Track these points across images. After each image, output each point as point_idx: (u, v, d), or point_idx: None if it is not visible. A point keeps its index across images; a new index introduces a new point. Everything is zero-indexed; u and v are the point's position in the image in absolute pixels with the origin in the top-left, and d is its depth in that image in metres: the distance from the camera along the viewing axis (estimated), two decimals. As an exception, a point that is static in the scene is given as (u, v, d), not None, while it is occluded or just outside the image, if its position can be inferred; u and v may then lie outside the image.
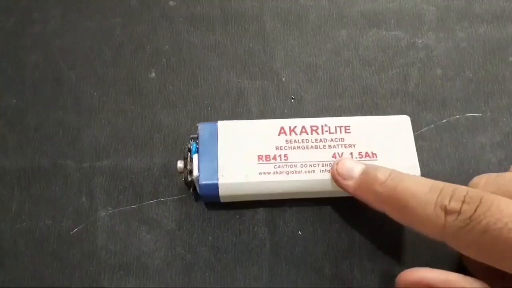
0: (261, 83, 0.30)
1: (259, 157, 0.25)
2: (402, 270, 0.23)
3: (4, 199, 0.27)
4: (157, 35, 0.31)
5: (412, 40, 0.31)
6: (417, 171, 0.25)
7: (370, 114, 0.29)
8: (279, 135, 0.26)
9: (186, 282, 0.25)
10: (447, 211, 0.19)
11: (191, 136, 0.27)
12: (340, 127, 0.26)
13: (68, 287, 0.25)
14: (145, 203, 0.27)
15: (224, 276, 0.25)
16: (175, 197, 0.27)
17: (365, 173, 0.23)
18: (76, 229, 0.26)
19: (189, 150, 0.26)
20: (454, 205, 0.19)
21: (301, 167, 0.25)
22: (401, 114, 0.27)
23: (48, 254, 0.26)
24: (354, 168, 0.23)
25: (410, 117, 0.27)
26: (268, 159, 0.25)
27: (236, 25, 0.31)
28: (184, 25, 0.31)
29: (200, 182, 0.25)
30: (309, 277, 0.25)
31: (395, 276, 0.23)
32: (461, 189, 0.20)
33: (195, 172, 0.25)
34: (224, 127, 0.26)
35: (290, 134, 0.26)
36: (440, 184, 0.20)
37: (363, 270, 0.25)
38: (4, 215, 0.26)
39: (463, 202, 0.19)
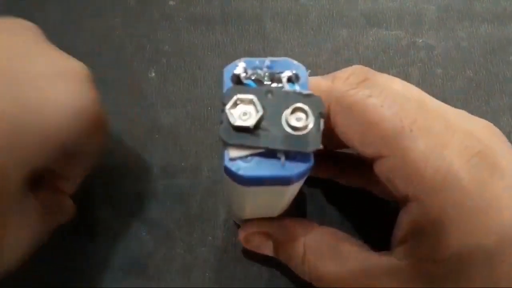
0: (261, 83, 0.30)
1: None
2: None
3: (4, 199, 0.27)
4: (157, 35, 0.31)
5: (412, 40, 0.31)
6: None
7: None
8: None
9: (185, 282, 0.25)
10: (335, 77, 0.20)
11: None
12: None
13: (68, 287, 0.25)
14: (145, 203, 0.27)
15: (224, 276, 0.25)
16: (174, 197, 0.27)
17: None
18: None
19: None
20: (342, 74, 0.20)
21: None
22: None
23: (48, 255, 0.26)
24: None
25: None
26: None
27: (236, 25, 0.31)
28: (184, 25, 0.31)
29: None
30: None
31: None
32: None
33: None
34: None
35: None
36: None
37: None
38: (4, 215, 0.26)
39: (352, 74, 0.20)
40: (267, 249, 0.24)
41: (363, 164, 0.21)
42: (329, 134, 0.20)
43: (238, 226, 0.26)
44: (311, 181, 0.26)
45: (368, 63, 0.30)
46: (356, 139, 0.19)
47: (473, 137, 0.19)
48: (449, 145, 0.18)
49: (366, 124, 0.19)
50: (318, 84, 0.20)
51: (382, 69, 0.30)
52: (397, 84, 0.20)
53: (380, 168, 0.19)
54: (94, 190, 0.27)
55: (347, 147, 0.21)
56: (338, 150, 0.25)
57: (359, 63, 0.30)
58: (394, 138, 0.18)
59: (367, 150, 0.19)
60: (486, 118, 0.29)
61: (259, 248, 0.24)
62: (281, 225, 0.23)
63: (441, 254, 0.18)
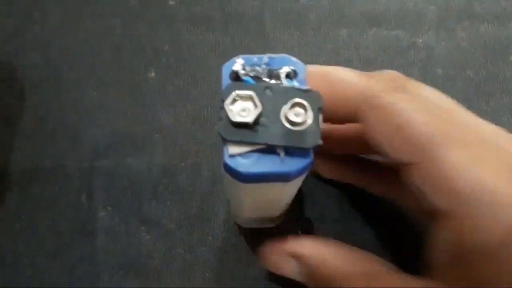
0: (261, 83, 0.30)
1: None
2: (402, 268, 0.23)
3: (4, 199, 0.27)
4: (156, 35, 0.31)
5: (412, 40, 0.31)
6: None
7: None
8: None
9: (185, 282, 0.25)
10: (371, 76, 0.20)
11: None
12: None
13: (68, 287, 0.25)
14: (145, 203, 0.27)
15: (224, 276, 0.25)
16: (174, 197, 0.27)
17: None
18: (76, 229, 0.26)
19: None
20: (378, 75, 0.20)
21: None
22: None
23: (48, 254, 0.26)
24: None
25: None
26: None
27: (236, 25, 0.31)
28: (184, 24, 0.31)
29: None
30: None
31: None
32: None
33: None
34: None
35: None
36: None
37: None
38: (4, 215, 0.26)
39: (387, 77, 0.20)
40: (290, 269, 0.22)
41: (389, 171, 0.20)
42: (359, 136, 0.20)
43: (238, 226, 0.26)
44: (332, 186, 0.26)
45: (368, 63, 0.30)
46: (386, 143, 0.19)
47: (508, 154, 0.18)
48: (483, 159, 0.17)
49: (398, 127, 0.18)
50: (356, 81, 0.19)
51: (382, 69, 0.30)
52: (432, 93, 0.19)
53: (408, 176, 0.18)
54: (94, 190, 0.27)
55: (374, 153, 0.20)
56: (362, 156, 0.24)
57: (359, 63, 0.30)
58: (426, 144, 0.18)
59: (396, 155, 0.18)
60: (486, 118, 0.29)
61: (280, 267, 0.22)
62: (311, 246, 0.21)
63: (484, 279, 0.17)
